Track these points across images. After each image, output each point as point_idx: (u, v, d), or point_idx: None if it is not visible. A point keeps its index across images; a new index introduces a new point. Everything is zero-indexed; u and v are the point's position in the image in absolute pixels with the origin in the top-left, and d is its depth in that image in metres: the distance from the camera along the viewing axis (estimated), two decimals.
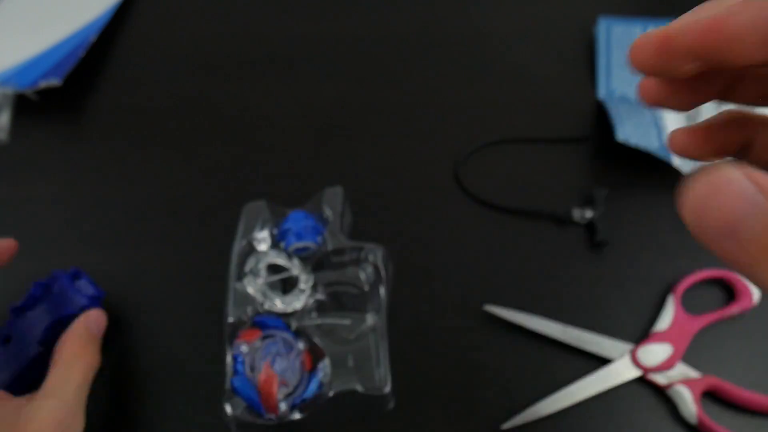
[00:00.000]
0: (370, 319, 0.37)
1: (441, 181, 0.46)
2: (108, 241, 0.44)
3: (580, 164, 0.46)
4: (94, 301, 0.38)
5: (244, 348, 0.35)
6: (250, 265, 0.37)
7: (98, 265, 0.42)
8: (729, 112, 0.20)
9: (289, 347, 0.35)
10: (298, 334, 0.36)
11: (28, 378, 0.37)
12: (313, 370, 0.35)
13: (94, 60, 0.53)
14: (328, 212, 0.40)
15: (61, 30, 0.54)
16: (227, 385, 0.34)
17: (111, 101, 0.51)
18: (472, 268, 0.41)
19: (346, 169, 0.46)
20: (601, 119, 0.47)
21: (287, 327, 0.36)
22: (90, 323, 0.35)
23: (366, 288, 0.38)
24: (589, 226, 0.43)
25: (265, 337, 0.35)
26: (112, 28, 0.55)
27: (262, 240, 0.38)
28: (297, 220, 0.39)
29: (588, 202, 0.43)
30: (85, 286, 0.39)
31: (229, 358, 0.35)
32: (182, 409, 0.37)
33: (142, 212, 0.45)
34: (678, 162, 0.43)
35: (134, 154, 0.48)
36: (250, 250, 0.38)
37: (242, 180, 0.46)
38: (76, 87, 0.51)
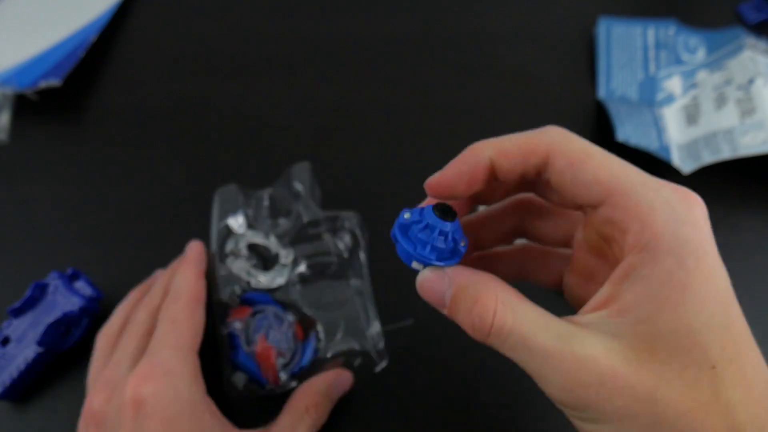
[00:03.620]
0: (353, 283, 0.39)
1: None
2: (107, 241, 0.44)
3: None
4: (92, 303, 0.38)
5: (238, 325, 0.36)
6: (230, 246, 0.39)
7: (96, 266, 0.42)
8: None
9: (280, 320, 0.37)
10: (286, 307, 0.37)
11: (27, 380, 0.37)
12: (306, 339, 0.36)
13: (94, 60, 0.53)
14: (298, 186, 0.41)
15: (61, 30, 0.54)
16: (227, 362, 0.36)
17: (111, 101, 0.51)
18: None
19: (345, 170, 0.46)
20: (601, 119, 0.47)
21: (275, 301, 0.37)
22: (335, 383, 0.36)
23: (345, 255, 0.39)
24: None
25: (255, 313, 0.37)
26: (112, 28, 0.55)
27: (239, 223, 0.40)
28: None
29: None
30: (83, 287, 0.39)
31: (224, 335, 0.36)
32: None
33: (142, 213, 0.45)
34: (678, 162, 0.43)
35: (134, 154, 0.48)
36: (228, 232, 0.39)
37: (242, 180, 0.46)
38: (76, 87, 0.51)
